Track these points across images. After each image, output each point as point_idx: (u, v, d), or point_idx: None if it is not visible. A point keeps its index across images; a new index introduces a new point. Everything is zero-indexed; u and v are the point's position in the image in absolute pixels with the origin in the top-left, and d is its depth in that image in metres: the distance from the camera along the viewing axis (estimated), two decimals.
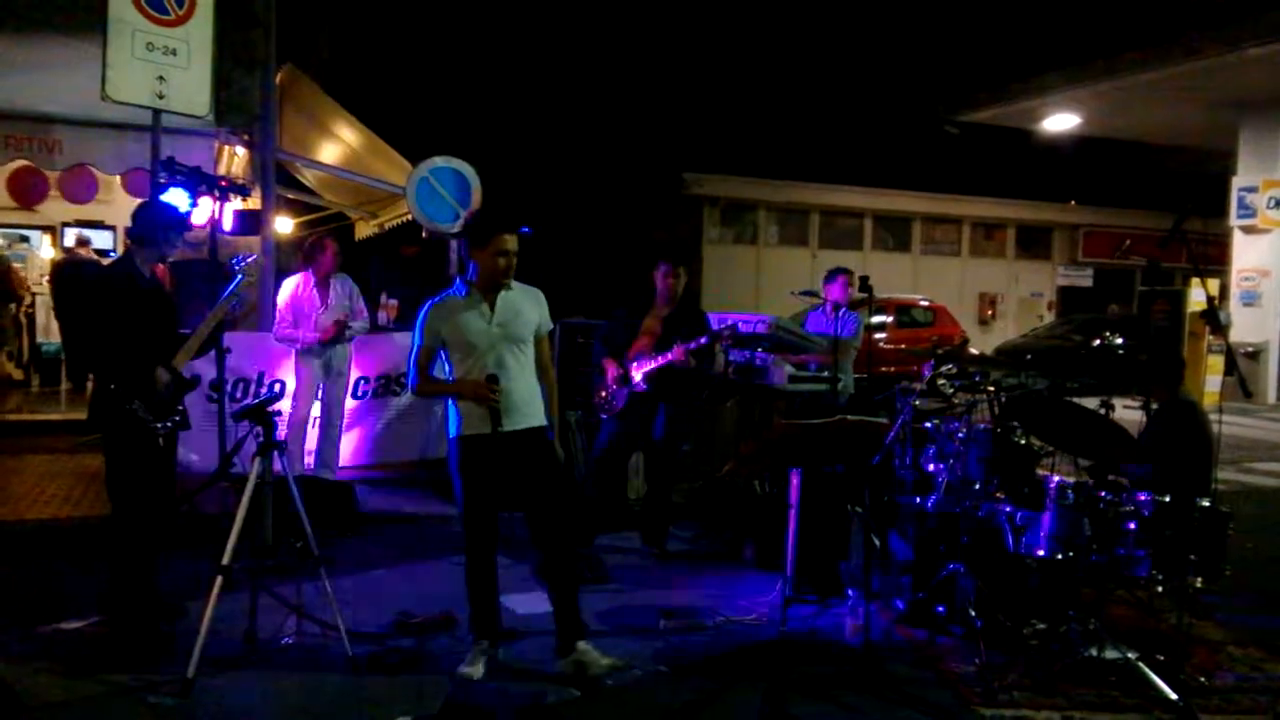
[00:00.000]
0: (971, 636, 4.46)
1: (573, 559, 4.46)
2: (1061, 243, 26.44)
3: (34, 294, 12.74)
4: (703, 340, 5.87)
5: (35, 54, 7.98)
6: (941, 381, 5.71)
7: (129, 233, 4.75)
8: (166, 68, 6.44)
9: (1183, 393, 5.28)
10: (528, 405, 4.29)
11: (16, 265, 12.58)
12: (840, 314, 7.14)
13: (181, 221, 4.96)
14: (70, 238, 13.33)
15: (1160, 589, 4.61)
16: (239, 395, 7.01)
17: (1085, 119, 18.78)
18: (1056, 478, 4.79)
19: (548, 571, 4.40)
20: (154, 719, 3.76)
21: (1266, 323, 16.74)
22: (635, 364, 6.00)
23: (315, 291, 7.02)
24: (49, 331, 12.42)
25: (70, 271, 11.19)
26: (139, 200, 10.61)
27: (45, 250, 14.30)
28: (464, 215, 8.11)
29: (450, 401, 4.28)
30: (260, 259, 5.33)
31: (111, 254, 13.08)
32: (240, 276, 4.84)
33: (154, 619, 4.52)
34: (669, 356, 5.85)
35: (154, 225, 4.65)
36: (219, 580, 4.10)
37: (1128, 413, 5.26)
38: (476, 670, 4.13)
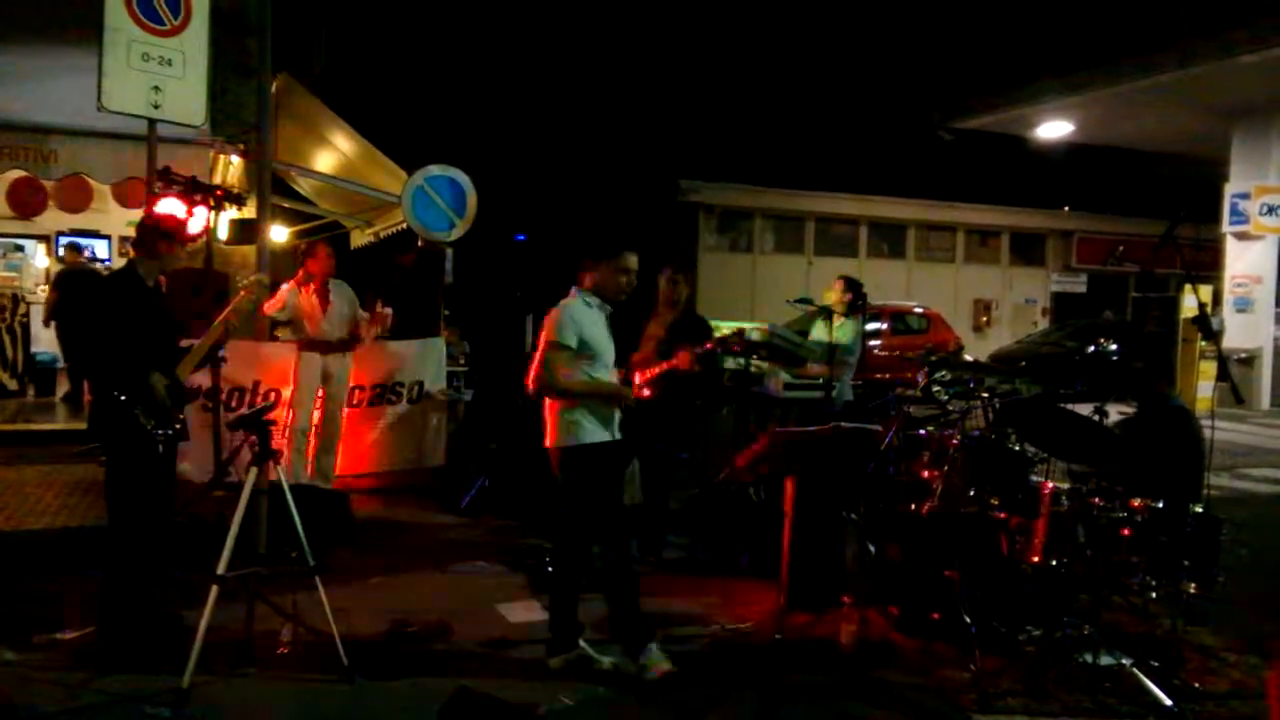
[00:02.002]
0: (966, 643, 4.47)
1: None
2: (1055, 249, 26.52)
3: (29, 303, 12.71)
4: (707, 345, 5.87)
5: (31, 64, 8.00)
6: (936, 388, 5.73)
7: (132, 244, 4.77)
8: (162, 77, 6.47)
9: (1174, 399, 5.30)
10: (618, 419, 4.45)
11: (9, 275, 12.55)
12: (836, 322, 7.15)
13: (182, 233, 4.99)
14: (61, 248, 13.33)
15: (1154, 595, 4.63)
16: (234, 404, 7.01)
17: (1079, 126, 18.85)
18: (1050, 484, 4.80)
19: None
20: None
21: (1259, 329, 16.79)
22: (641, 372, 5.98)
23: (316, 298, 7.05)
24: (43, 341, 12.39)
25: (79, 278, 11.11)
26: (133, 210, 10.63)
27: (40, 259, 14.29)
28: (459, 224, 8.14)
29: (572, 410, 4.29)
30: (260, 277, 5.35)
31: (107, 262, 13.07)
32: (240, 294, 4.88)
33: (150, 629, 4.52)
34: (674, 363, 5.83)
35: (157, 237, 4.67)
36: (215, 589, 4.10)
37: (1122, 419, 5.27)
38: (662, 660, 4.21)
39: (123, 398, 4.39)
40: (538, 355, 4.31)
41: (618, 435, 4.41)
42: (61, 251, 12.79)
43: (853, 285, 7.09)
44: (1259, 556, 5.61)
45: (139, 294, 4.56)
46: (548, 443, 4.39)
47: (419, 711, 3.87)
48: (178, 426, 4.60)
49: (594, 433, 4.30)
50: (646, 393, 5.84)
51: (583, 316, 4.32)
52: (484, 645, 4.65)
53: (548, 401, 4.38)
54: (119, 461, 4.50)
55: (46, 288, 13.18)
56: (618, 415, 4.43)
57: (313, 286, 7.07)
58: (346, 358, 7.21)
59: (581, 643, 4.44)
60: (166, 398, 4.50)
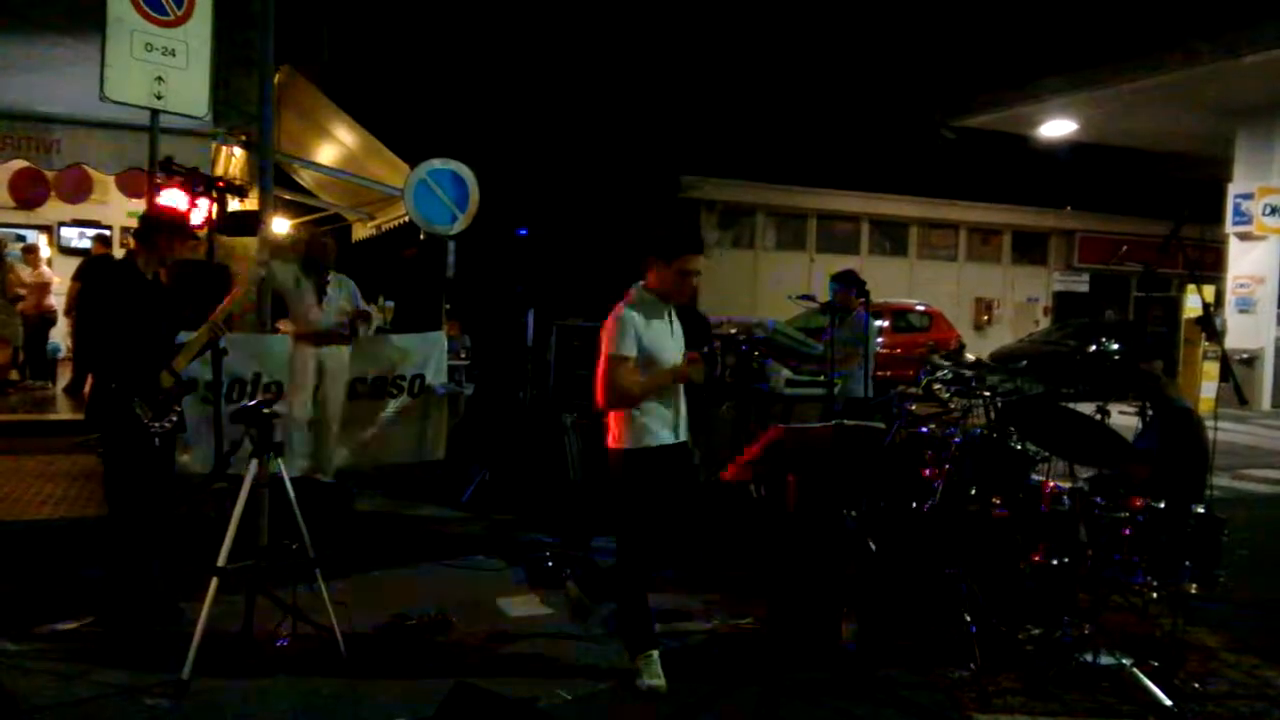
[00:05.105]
0: (967, 641, 4.47)
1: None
2: (1057, 248, 26.50)
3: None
4: (715, 344, 5.90)
5: (34, 54, 7.98)
6: (937, 386, 5.72)
7: (133, 235, 4.78)
8: (165, 68, 6.45)
9: (1178, 399, 5.29)
10: (685, 419, 4.33)
11: (20, 266, 12.56)
12: (839, 318, 7.15)
13: (184, 227, 4.98)
14: (74, 236, 13.42)
15: (1155, 595, 4.62)
16: (235, 396, 6.99)
17: (1082, 125, 18.83)
18: (1052, 483, 4.80)
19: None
20: None
21: (1261, 329, 16.78)
22: None
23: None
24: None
25: (92, 268, 11.12)
26: (135, 200, 10.63)
27: (42, 250, 14.29)
28: (462, 218, 8.12)
29: (634, 411, 4.17)
30: (258, 269, 5.34)
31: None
32: (237, 287, 4.87)
33: (150, 620, 4.52)
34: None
35: (156, 231, 4.66)
36: (214, 582, 4.10)
37: (1123, 418, 5.27)
38: (657, 676, 4.14)
39: (119, 389, 4.39)
40: (600, 368, 4.15)
41: (682, 437, 4.29)
42: (89, 243, 12.89)
43: (852, 281, 7.10)
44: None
45: (137, 286, 4.56)
46: (609, 443, 4.26)
47: (418, 705, 3.87)
48: (174, 419, 4.60)
49: (655, 435, 4.18)
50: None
51: (641, 321, 4.17)
52: (483, 640, 4.65)
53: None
54: (116, 453, 4.50)
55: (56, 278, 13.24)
56: (683, 416, 4.30)
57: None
58: (343, 351, 7.18)
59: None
60: (169, 393, 4.51)
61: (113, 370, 4.45)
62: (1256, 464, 10.88)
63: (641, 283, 4.27)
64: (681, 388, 4.31)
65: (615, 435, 4.22)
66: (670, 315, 4.31)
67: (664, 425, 4.20)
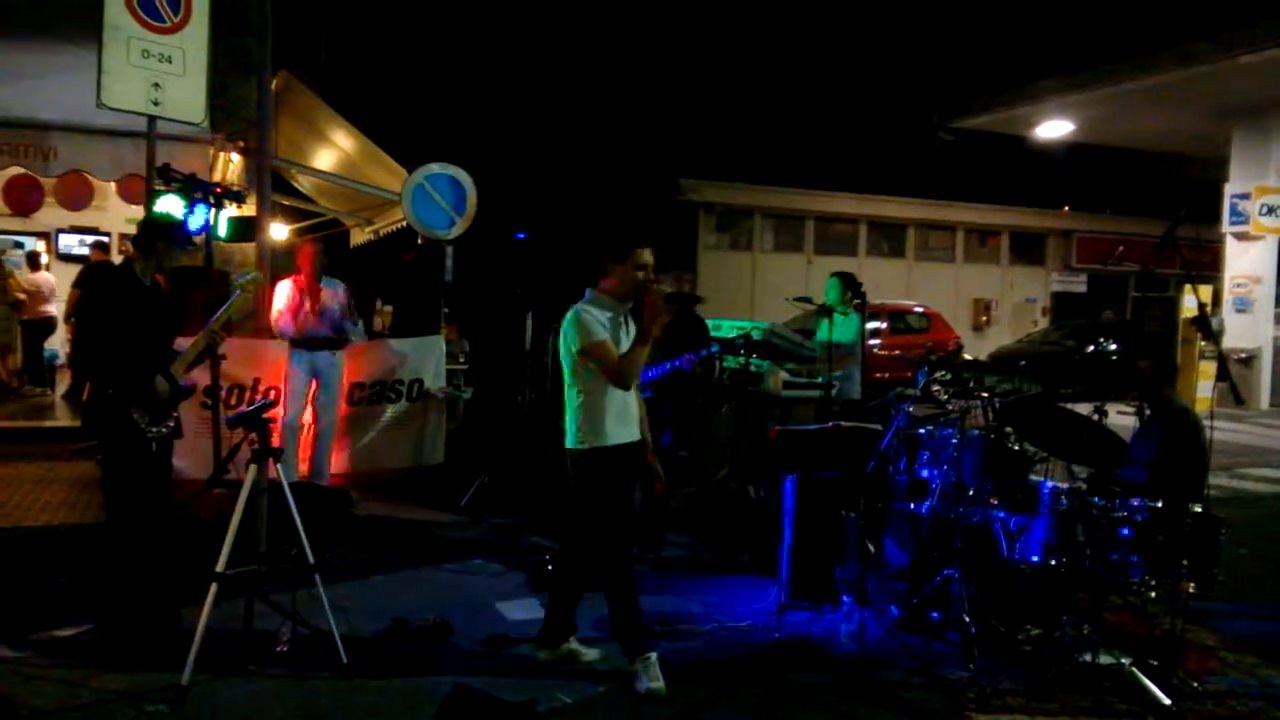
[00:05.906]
0: (966, 642, 4.47)
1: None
2: (1055, 249, 26.52)
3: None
4: (713, 348, 5.92)
5: (31, 60, 7.98)
6: (936, 387, 5.72)
7: (131, 241, 4.78)
8: (162, 74, 6.44)
9: (1176, 399, 5.30)
10: (641, 419, 4.39)
11: (15, 270, 12.56)
12: (834, 319, 7.17)
13: (182, 234, 4.99)
14: (73, 243, 13.43)
15: (1153, 594, 4.63)
16: (233, 402, 7.00)
17: (1079, 125, 18.86)
18: (1050, 483, 4.80)
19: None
20: None
21: (1258, 329, 16.80)
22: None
23: (305, 294, 7.07)
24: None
25: (91, 274, 11.13)
26: (134, 207, 10.63)
27: (40, 256, 14.29)
28: (459, 222, 8.13)
29: (592, 411, 4.19)
30: (258, 275, 5.34)
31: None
32: (238, 292, 4.87)
33: (149, 626, 4.52)
34: (678, 364, 5.86)
35: (154, 237, 4.68)
36: (214, 587, 4.10)
37: (1121, 418, 5.28)
38: (657, 679, 4.15)
39: (116, 395, 4.39)
40: (605, 368, 4.14)
41: (639, 436, 4.34)
42: (88, 250, 12.90)
43: (850, 282, 7.12)
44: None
45: (134, 292, 4.57)
46: (567, 445, 4.28)
47: (418, 710, 3.87)
48: (171, 424, 4.60)
49: (614, 434, 4.21)
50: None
51: (599, 314, 4.21)
52: (483, 644, 4.65)
53: (568, 402, 4.29)
54: (113, 459, 4.50)
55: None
56: (637, 415, 4.35)
57: (304, 283, 7.10)
58: (337, 355, 7.19)
59: (573, 640, 4.45)
60: (165, 398, 4.52)
61: (109, 376, 4.45)
62: (1254, 463, 10.89)
63: (597, 287, 4.31)
64: (635, 391, 4.34)
65: (574, 436, 4.24)
66: (625, 318, 4.32)
67: (621, 424, 4.24)
